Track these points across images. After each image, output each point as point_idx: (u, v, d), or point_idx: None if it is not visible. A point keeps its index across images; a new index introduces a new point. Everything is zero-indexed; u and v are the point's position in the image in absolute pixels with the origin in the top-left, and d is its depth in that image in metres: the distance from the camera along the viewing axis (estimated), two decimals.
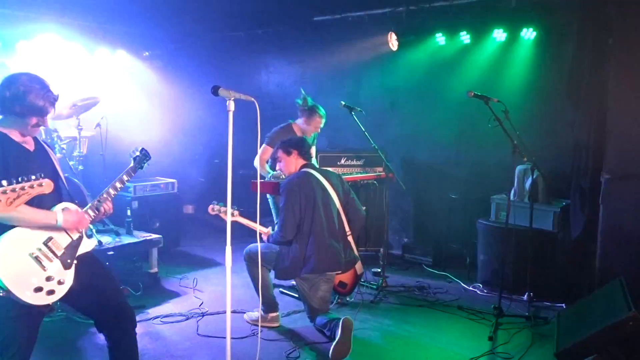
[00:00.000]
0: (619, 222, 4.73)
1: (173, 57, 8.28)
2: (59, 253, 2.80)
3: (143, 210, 6.38)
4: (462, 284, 5.82)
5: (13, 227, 2.66)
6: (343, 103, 5.42)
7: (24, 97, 2.70)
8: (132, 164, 3.38)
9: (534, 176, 5.37)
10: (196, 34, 8.13)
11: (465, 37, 6.23)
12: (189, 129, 8.38)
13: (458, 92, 6.12)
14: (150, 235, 5.73)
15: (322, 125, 5.41)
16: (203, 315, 4.82)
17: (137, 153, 3.45)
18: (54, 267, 2.77)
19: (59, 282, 2.77)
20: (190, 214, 8.72)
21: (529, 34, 5.83)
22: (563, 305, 5.10)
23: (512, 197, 5.52)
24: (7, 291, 2.57)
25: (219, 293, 5.40)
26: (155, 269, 5.75)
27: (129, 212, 5.79)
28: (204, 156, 8.74)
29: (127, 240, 5.52)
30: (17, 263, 2.63)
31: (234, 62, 8.23)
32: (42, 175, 2.29)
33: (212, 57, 8.28)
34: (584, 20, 5.01)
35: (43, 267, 2.70)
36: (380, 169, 6.22)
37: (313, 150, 5.71)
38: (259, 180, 3.29)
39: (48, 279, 2.72)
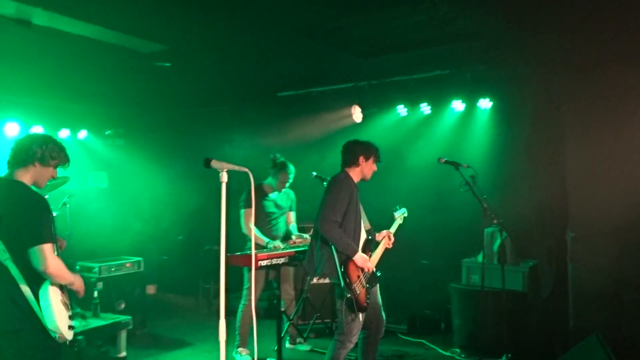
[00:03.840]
0: (589, 278, 4.92)
1: (135, 134, 8.29)
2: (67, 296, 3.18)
3: (108, 290, 6.14)
4: (440, 350, 5.81)
5: (42, 280, 2.95)
6: (315, 174, 5.54)
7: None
8: None
9: (502, 238, 5.54)
10: (158, 111, 8.21)
11: (425, 108, 6.55)
12: (151, 206, 8.27)
13: (424, 160, 6.38)
14: (119, 317, 5.51)
15: (290, 180, 5.55)
16: None
17: None
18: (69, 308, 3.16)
19: (71, 318, 3.14)
20: (151, 294, 8.43)
21: (485, 103, 6.20)
22: None
23: (481, 260, 5.65)
24: (61, 334, 2.95)
25: None
26: (123, 353, 5.49)
27: (95, 294, 5.58)
28: (167, 233, 8.57)
29: (95, 323, 5.28)
30: (59, 308, 2.99)
31: (197, 138, 8.27)
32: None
33: (175, 134, 8.33)
34: (539, 89, 5.41)
35: (67, 308, 3.10)
36: None
37: (292, 215, 5.76)
38: (253, 252, 3.26)
39: (70, 317, 3.11)
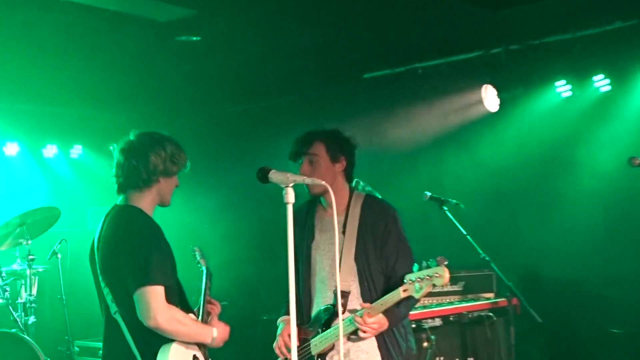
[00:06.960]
0: None
1: None
2: None
3: None
4: None
5: (165, 342, 3.10)
6: (428, 194, 5.65)
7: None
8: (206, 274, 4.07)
9: None
10: (187, 113, 8.42)
11: (601, 83, 6.22)
12: (180, 252, 8.16)
13: (604, 164, 6.11)
14: None
15: None
16: None
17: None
18: None
19: None
20: None
21: None
22: None
23: None
24: None
25: None
26: None
27: None
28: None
29: None
30: None
31: (246, 147, 8.42)
32: None
33: (213, 144, 8.50)
34: None
35: None
36: (492, 294, 5.99)
37: None
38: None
39: None
